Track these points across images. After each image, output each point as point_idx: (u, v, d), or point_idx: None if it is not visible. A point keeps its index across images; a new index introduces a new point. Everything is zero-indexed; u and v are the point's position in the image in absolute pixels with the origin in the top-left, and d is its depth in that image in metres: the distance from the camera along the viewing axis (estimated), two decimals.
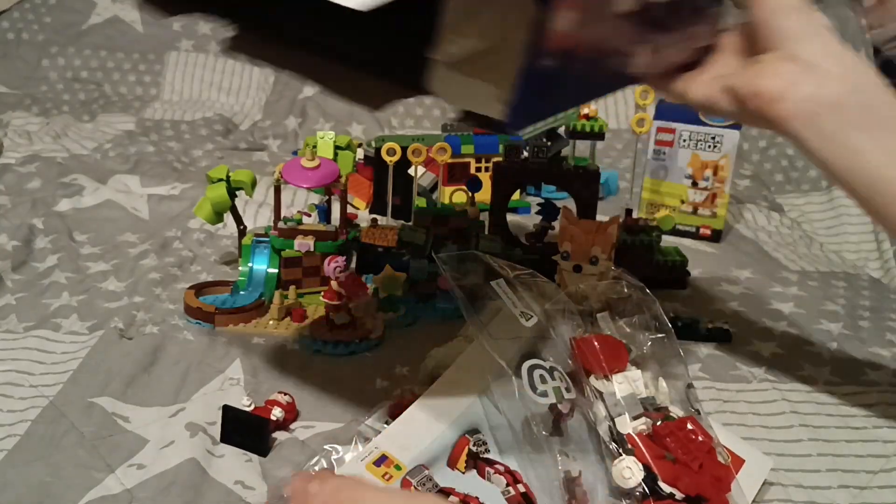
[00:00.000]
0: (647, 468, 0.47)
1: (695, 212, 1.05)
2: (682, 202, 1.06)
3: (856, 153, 0.50)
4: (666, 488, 0.46)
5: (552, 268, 0.80)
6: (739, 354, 0.74)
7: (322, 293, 0.74)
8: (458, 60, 0.38)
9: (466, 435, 0.49)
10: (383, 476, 0.46)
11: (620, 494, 0.47)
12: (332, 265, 0.75)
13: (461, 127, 1.15)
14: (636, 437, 0.49)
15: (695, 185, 1.04)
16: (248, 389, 0.65)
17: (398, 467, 0.46)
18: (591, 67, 0.44)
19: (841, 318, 0.82)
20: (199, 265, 0.90)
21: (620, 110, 1.54)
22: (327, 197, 0.90)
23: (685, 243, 1.02)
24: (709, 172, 1.03)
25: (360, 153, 1.10)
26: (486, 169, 1.08)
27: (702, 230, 1.05)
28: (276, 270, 0.82)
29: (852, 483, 0.56)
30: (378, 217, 0.97)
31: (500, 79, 0.38)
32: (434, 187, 1.08)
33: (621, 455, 0.48)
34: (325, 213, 0.90)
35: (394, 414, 0.55)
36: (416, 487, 0.46)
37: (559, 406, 0.50)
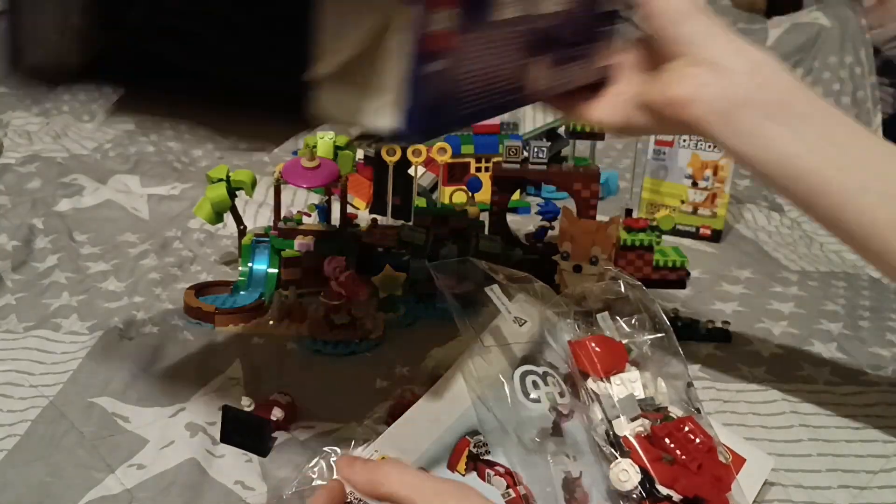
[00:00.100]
0: (643, 471, 0.47)
1: (695, 212, 1.05)
2: (682, 202, 1.06)
3: (773, 146, 0.51)
4: (663, 490, 0.46)
5: (552, 268, 0.80)
6: (739, 354, 0.74)
7: (322, 293, 0.74)
8: (341, 73, 0.37)
9: (467, 436, 0.49)
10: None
11: (618, 497, 0.47)
12: (332, 265, 0.75)
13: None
14: (633, 440, 0.48)
15: (695, 185, 1.04)
16: (248, 389, 0.65)
17: None
18: (485, 79, 0.43)
19: (841, 318, 0.82)
20: (199, 265, 0.90)
21: None
22: (327, 197, 0.90)
23: (685, 243, 1.02)
24: (709, 172, 1.03)
25: (360, 153, 1.10)
26: (486, 169, 1.08)
27: (702, 230, 1.05)
28: (276, 270, 0.82)
29: (852, 483, 0.56)
30: (378, 217, 0.97)
31: (387, 86, 0.37)
32: (434, 187, 1.08)
33: (618, 458, 0.48)
34: (325, 213, 0.90)
35: (394, 414, 0.55)
36: None
37: (558, 408, 0.50)
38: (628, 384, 0.52)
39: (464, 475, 0.48)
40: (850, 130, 0.52)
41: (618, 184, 1.25)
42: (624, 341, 0.55)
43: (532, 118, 1.15)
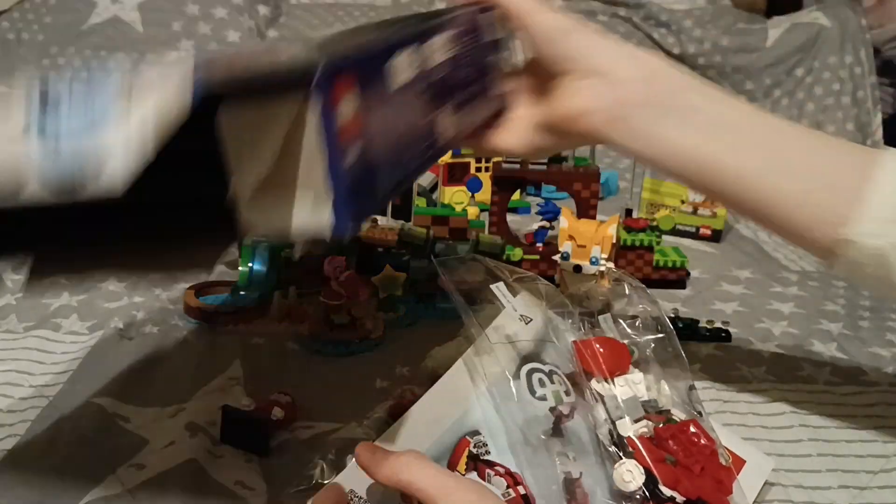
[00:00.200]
0: (647, 472, 0.47)
1: (695, 212, 1.05)
2: (682, 202, 1.06)
3: (669, 141, 0.52)
4: (666, 492, 0.46)
5: (552, 268, 0.80)
6: (739, 354, 0.74)
7: (322, 293, 0.74)
8: (262, 187, 0.37)
9: (467, 436, 0.49)
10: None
11: (620, 498, 0.47)
12: (332, 265, 0.75)
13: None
14: (637, 441, 0.48)
15: None
16: (248, 389, 0.65)
17: None
18: (398, 147, 0.43)
19: (841, 318, 0.82)
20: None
21: None
22: None
23: (685, 243, 1.02)
24: None
25: None
26: (486, 169, 1.08)
27: (702, 230, 1.05)
28: (276, 270, 0.82)
29: (852, 483, 0.56)
30: (378, 217, 0.97)
31: (308, 188, 0.37)
32: (434, 187, 1.08)
33: (622, 458, 0.48)
34: None
35: (394, 414, 0.55)
36: None
37: (559, 408, 0.50)
38: (632, 385, 0.52)
39: (464, 475, 0.48)
40: (744, 114, 0.53)
41: (618, 184, 1.25)
42: (625, 341, 0.55)
43: None
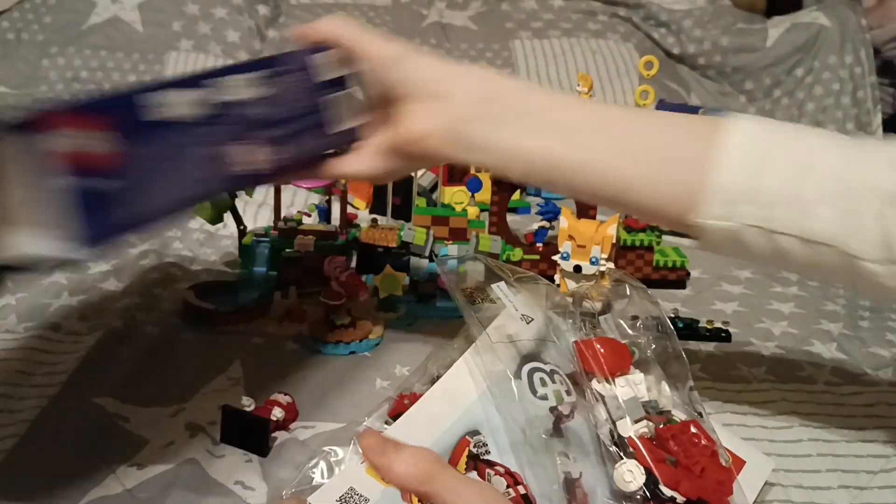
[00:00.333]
0: (648, 472, 0.47)
1: None
2: None
3: (505, 149, 0.53)
4: (667, 492, 0.46)
5: (552, 268, 0.80)
6: (739, 354, 0.74)
7: (322, 293, 0.74)
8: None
9: (467, 436, 0.49)
10: (383, 478, 0.45)
11: (621, 497, 0.47)
12: (332, 265, 0.75)
13: None
14: (637, 441, 0.48)
15: None
16: (248, 389, 0.65)
17: None
18: (168, 174, 0.46)
19: (841, 318, 0.82)
20: (199, 265, 0.90)
21: None
22: (327, 197, 0.90)
23: (685, 243, 1.02)
24: None
25: None
26: (487, 169, 1.08)
27: None
28: (276, 271, 0.82)
29: (852, 483, 0.56)
30: (378, 217, 0.97)
31: (25, 219, 0.41)
32: (434, 187, 1.08)
33: (622, 458, 0.48)
34: (325, 213, 0.90)
35: (394, 414, 0.55)
36: None
37: (559, 408, 0.50)
38: (633, 386, 0.52)
39: (464, 474, 0.48)
40: (585, 112, 0.53)
41: None
42: (625, 342, 0.55)
43: None
